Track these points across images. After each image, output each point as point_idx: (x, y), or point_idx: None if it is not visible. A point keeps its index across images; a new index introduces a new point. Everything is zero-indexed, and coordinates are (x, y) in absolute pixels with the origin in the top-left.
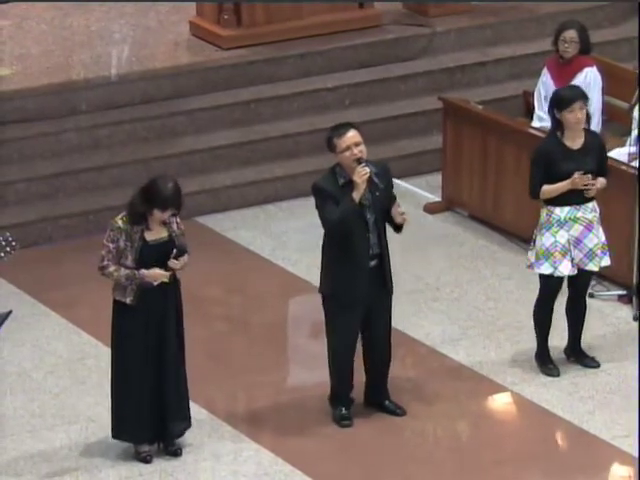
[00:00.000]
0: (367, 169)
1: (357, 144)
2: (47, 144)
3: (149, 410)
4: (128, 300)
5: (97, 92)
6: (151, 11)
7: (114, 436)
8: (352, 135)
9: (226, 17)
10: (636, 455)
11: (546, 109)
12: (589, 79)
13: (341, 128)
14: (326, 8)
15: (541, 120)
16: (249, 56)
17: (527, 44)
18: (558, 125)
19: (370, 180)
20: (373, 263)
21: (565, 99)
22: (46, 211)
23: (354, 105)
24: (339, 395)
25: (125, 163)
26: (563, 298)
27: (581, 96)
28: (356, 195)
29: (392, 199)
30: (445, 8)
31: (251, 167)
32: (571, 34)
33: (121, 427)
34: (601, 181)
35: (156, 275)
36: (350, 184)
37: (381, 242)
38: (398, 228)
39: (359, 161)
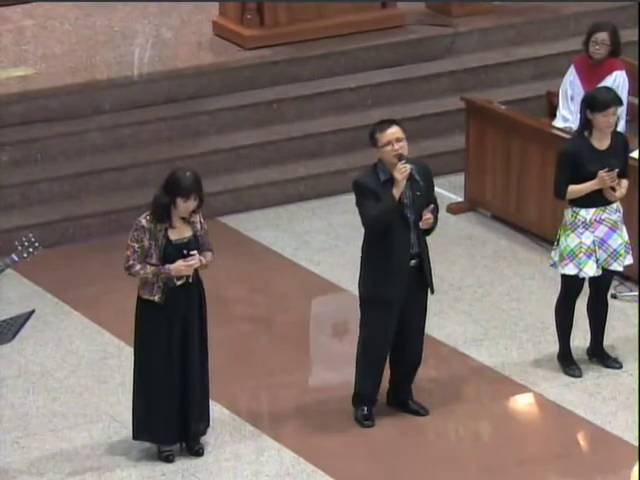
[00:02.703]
0: (408, 166)
1: (398, 140)
2: (70, 144)
3: (172, 410)
4: (156, 298)
5: (120, 92)
6: (174, 11)
7: (135, 437)
8: (394, 131)
9: (249, 17)
10: None
11: (571, 109)
12: (618, 82)
13: (384, 123)
14: (349, 8)
15: (565, 120)
16: (272, 56)
17: (550, 44)
18: (587, 125)
19: (411, 178)
20: (413, 262)
21: (601, 102)
22: (69, 211)
23: (376, 105)
24: (365, 395)
25: (148, 163)
26: (585, 298)
27: (617, 101)
28: (396, 192)
29: (432, 200)
30: (468, 8)
31: (274, 167)
32: (603, 36)
33: (142, 428)
34: (624, 184)
35: (180, 268)
36: (391, 181)
37: (420, 241)
38: (426, 231)
39: (400, 158)
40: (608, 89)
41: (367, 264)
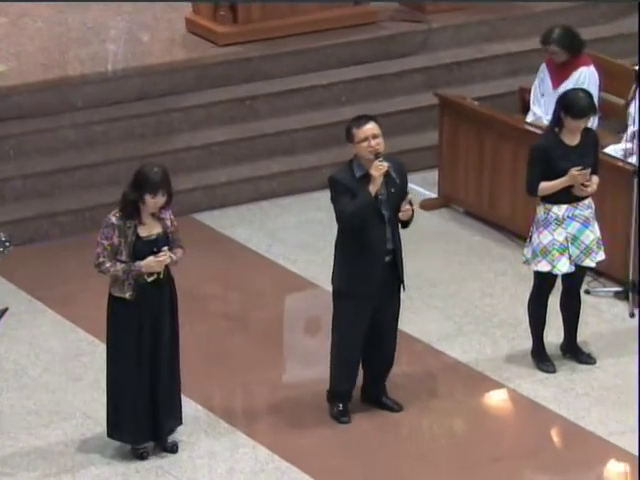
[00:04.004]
0: (385, 163)
1: (375, 136)
2: (43, 141)
3: (144, 408)
4: (127, 295)
5: (93, 89)
6: (147, 8)
7: (110, 435)
8: (371, 127)
9: (222, 14)
10: (630, 451)
11: (543, 109)
12: (583, 78)
13: (361, 119)
14: (322, 5)
15: (535, 116)
16: (245, 53)
17: (523, 41)
18: (558, 122)
19: (387, 175)
20: (387, 259)
21: (577, 110)
22: (42, 208)
23: (350, 102)
24: (339, 391)
25: (121, 160)
26: (558, 294)
27: (593, 111)
28: (372, 189)
29: (406, 196)
30: (441, 4)
31: (247, 164)
32: (552, 48)
33: (117, 427)
34: (595, 180)
35: (151, 264)
36: (367, 177)
37: (395, 238)
38: (404, 224)
39: (377, 155)
40: (588, 95)
41: (341, 260)
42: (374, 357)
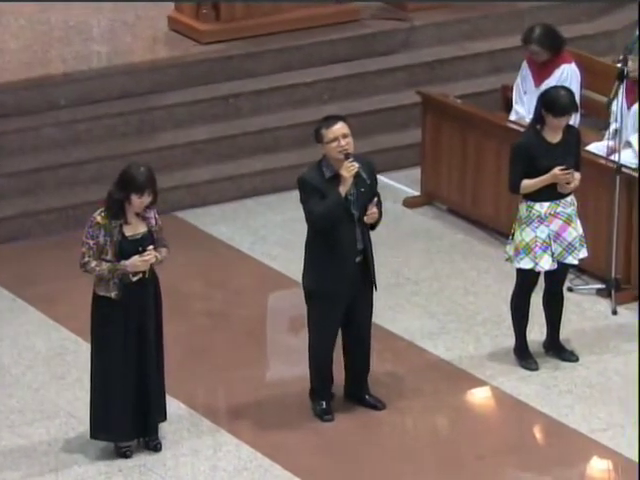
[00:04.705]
0: (356, 164)
1: (344, 136)
2: (26, 139)
3: (130, 407)
4: (113, 295)
5: (76, 87)
6: (129, 6)
7: (93, 436)
8: (340, 127)
9: (204, 12)
10: (613, 448)
11: (526, 107)
12: (565, 75)
13: (330, 119)
14: (304, 3)
15: (518, 114)
16: (228, 51)
17: (505, 38)
18: (540, 120)
19: (357, 175)
20: (358, 259)
21: (559, 108)
22: (25, 206)
23: (333, 100)
24: (319, 390)
25: (104, 158)
26: (541, 292)
27: (574, 109)
28: (342, 190)
29: (375, 196)
30: (423, 3)
31: (230, 162)
32: (532, 48)
33: (100, 426)
34: (577, 177)
35: (136, 263)
36: (336, 178)
37: (365, 237)
38: (371, 226)
39: (347, 156)
40: (569, 93)
41: (312, 260)
42: (352, 356)
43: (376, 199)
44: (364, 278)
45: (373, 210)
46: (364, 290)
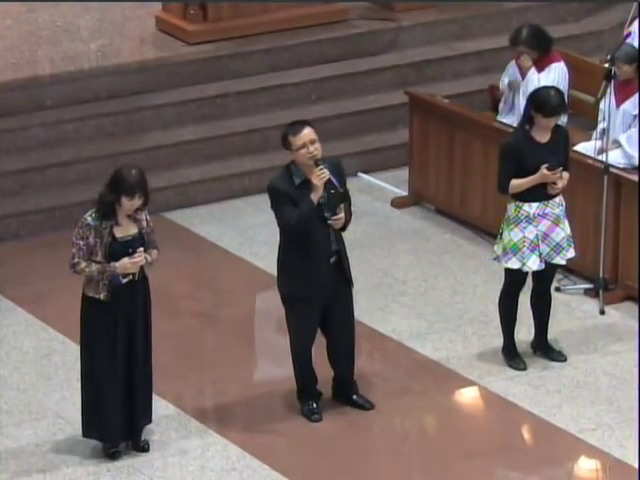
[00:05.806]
0: (326, 171)
1: (312, 142)
2: (13, 140)
3: (119, 408)
4: (102, 296)
5: (63, 87)
6: (117, 6)
7: (84, 435)
8: (307, 132)
9: (192, 12)
10: (601, 448)
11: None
12: (554, 74)
13: (296, 125)
14: (292, 3)
15: (503, 85)
16: (215, 51)
17: (493, 38)
18: (528, 120)
19: (328, 180)
20: (332, 260)
21: (548, 108)
22: (12, 207)
23: (321, 100)
24: (305, 390)
25: (91, 158)
26: (529, 292)
27: (564, 109)
28: (314, 197)
29: (345, 196)
30: (411, 3)
31: (218, 162)
32: (520, 49)
33: (91, 426)
34: (566, 176)
35: (126, 265)
36: (306, 183)
37: (338, 238)
38: (341, 228)
39: (316, 162)
40: (559, 93)
41: (286, 265)
42: (335, 356)
43: (343, 205)
44: (340, 278)
45: (340, 216)
46: (341, 289)
